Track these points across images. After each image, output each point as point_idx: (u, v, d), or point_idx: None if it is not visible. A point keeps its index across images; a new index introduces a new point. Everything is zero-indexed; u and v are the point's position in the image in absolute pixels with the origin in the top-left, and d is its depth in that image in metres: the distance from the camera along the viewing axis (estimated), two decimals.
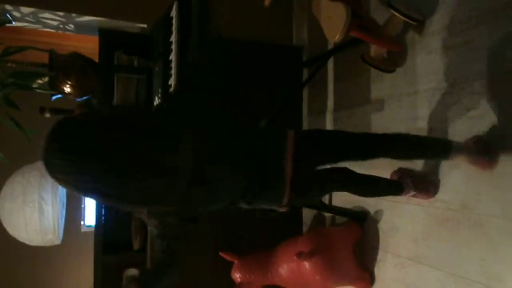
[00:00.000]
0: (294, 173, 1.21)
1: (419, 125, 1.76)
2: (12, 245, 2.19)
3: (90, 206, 3.07)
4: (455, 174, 1.58)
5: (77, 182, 0.87)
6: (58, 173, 0.86)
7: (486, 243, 1.45)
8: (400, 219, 1.83)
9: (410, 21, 1.68)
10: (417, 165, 1.75)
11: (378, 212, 1.96)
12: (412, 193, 1.63)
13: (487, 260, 1.44)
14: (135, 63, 2.15)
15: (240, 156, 1.15)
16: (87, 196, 1.05)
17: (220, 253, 1.97)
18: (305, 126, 2.61)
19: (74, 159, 0.83)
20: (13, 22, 2.13)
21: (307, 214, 2.48)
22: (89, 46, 2.45)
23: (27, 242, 2.13)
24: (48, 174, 0.87)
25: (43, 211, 2.10)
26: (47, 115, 2.22)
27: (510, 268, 1.37)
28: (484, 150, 1.43)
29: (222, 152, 1.11)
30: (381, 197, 1.72)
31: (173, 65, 1.82)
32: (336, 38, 1.65)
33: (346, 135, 1.41)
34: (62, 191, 2.25)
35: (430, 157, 1.59)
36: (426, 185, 1.65)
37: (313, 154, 1.31)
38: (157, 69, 1.97)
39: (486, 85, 1.48)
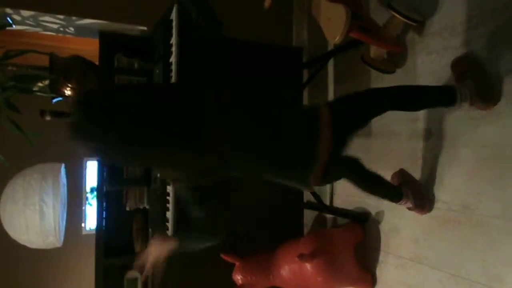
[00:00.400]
0: (329, 157, 1.20)
1: (419, 126, 1.76)
2: (13, 248, 2.19)
3: (91, 209, 3.08)
4: (456, 173, 1.58)
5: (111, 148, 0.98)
6: (92, 140, 0.97)
7: (487, 244, 1.45)
8: (401, 220, 1.83)
9: (410, 22, 1.68)
10: (417, 172, 1.75)
11: (379, 213, 1.96)
12: (408, 205, 1.65)
13: (488, 261, 1.44)
14: (136, 65, 2.15)
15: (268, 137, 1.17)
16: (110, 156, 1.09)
17: (222, 255, 1.97)
18: None
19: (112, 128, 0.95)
20: (14, 26, 2.13)
21: (308, 215, 2.48)
22: (90, 48, 2.45)
23: (28, 244, 2.13)
24: (79, 141, 0.99)
25: (44, 214, 2.10)
26: (48, 118, 2.21)
27: (510, 268, 1.37)
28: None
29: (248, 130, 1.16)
30: (378, 198, 1.72)
31: (173, 67, 1.82)
32: (336, 39, 1.65)
33: (376, 98, 1.40)
34: (63, 193, 2.25)
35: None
36: (424, 202, 1.67)
37: (347, 130, 1.31)
38: (157, 71, 1.97)
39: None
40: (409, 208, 1.68)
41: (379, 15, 1.91)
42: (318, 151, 1.20)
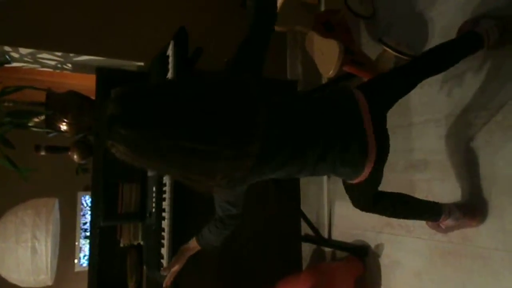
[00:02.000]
0: (377, 141, 1.15)
1: (415, 157, 1.76)
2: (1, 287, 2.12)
3: (84, 245, 3.01)
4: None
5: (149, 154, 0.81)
6: (138, 131, 0.79)
7: (490, 276, 1.42)
8: (402, 253, 1.80)
9: (401, 56, 1.72)
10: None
11: (379, 246, 1.93)
12: (450, 221, 1.48)
13: None
14: None
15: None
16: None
17: None
18: None
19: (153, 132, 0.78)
20: (12, 63, 2.16)
21: (306, 249, 2.43)
22: (87, 83, 2.48)
23: (18, 283, 2.06)
24: (118, 131, 0.79)
25: (36, 251, 2.05)
26: (43, 153, 2.21)
27: None
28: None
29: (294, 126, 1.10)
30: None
31: None
32: (330, 73, 1.68)
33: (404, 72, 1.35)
34: (56, 229, 2.21)
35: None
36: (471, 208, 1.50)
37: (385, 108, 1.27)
38: None
39: (482, 116, 1.49)
40: (454, 223, 1.49)
41: (371, 49, 1.96)
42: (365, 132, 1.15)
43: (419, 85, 1.75)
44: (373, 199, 1.34)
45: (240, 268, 2.24)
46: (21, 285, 2.07)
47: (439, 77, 1.68)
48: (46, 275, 2.09)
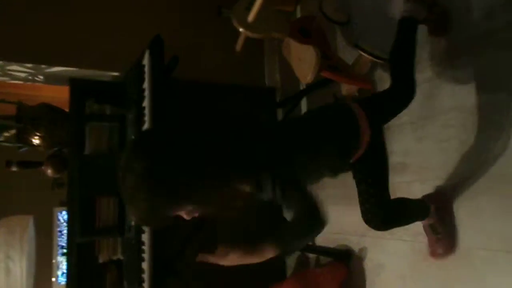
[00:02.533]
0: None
1: (394, 160, 1.78)
2: None
3: (62, 262, 2.91)
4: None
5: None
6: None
7: (473, 276, 1.43)
8: (385, 256, 1.80)
9: (377, 60, 1.74)
10: None
11: (362, 250, 1.93)
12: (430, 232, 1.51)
13: None
14: (108, 111, 2.12)
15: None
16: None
17: None
18: None
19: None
20: None
21: (290, 256, 2.41)
22: (61, 96, 2.41)
23: None
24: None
25: (10, 271, 1.97)
26: (14, 168, 2.12)
27: None
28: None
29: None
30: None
31: (146, 111, 1.80)
32: (308, 79, 1.69)
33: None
34: (31, 247, 2.12)
35: None
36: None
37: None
38: (130, 116, 1.94)
39: (457, 117, 1.52)
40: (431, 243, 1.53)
41: (347, 55, 1.98)
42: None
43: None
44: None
45: (223, 276, 2.20)
46: None
47: None
48: None
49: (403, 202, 1.43)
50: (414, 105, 1.69)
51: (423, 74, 1.64)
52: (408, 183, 1.71)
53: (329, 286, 1.88)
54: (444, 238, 1.49)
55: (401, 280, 1.71)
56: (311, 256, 2.27)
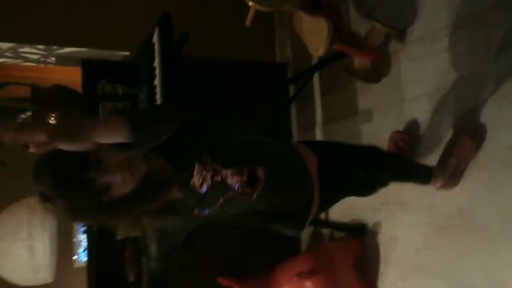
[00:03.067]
0: (321, 199, 1.16)
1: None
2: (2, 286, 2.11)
3: (82, 240, 3.00)
4: None
5: None
6: None
7: (487, 248, 1.42)
8: (399, 229, 1.80)
9: (391, 31, 1.69)
10: None
11: (376, 224, 1.93)
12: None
13: (490, 266, 1.41)
14: (120, 91, 2.13)
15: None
16: None
17: (218, 279, 1.91)
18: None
19: None
20: None
21: (304, 231, 2.43)
22: (73, 78, 2.43)
23: (18, 282, 2.05)
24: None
25: (34, 249, 2.04)
26: (32, 150, 2.17)
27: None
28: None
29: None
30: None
31: (158, 90, 1.80)
32: (320, 52, 1.66)
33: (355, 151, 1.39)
34: (52, 226, 2.19)
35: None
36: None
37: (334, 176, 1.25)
38: (142, 95, 1.95)
39: (473, 88, 1.48)
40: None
41: (360, 27, 1.93)
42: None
43: (410, 60, 1.75)
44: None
45: (239, 252, 2.25)
46: (20, 283, 2.06)
47: (429, 51, 1.66)
48: (45, 273, 2.08)
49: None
50: (430, 76, 1.66)
51: (441, 43, 1.59)
52: (422, 155, 1.69)
53: (343, 261, 1.90)
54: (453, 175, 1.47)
55: (415, 253, 1.72)
56: (325, 231, 2.29)
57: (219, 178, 0.97)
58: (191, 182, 0.94)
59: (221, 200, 1.00)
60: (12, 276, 2.03)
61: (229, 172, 0.98)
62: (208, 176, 0.96)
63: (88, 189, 0.79)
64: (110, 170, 0.81)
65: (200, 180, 0.95)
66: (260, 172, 1.02)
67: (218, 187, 0.98)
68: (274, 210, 1.13)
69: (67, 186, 0.79)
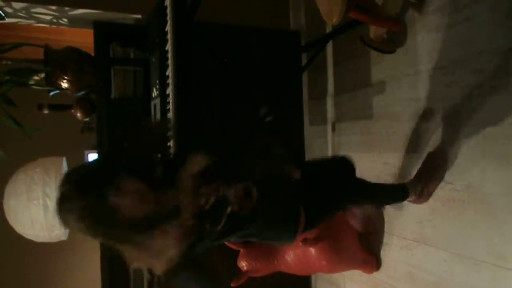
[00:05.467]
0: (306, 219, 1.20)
1: (421, 106, 1.74)
2: (19, 242, 2.21)
3: None
4: (459, 152, 1.56)
5: None
6: None
7: (492, 223, 1.44)
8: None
9: None
10: (420, 153, 1.73)
11: None
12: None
13: (493, 240, 1.43)
14: (131, 55, 2.12)
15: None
16: None
17: (226, 243, 1.97)
18: (306, 111, 2.58)
19: None
20: (6, 19, 2.10)
21: None
22: (85, 40, 2.43)
23: (34, 239, 2.14)
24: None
25: (48, 208, 2.10)
26: (46, 111, 2.20)
27: None
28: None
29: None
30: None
31: (169, 55, 1.79)
32: (334, 20, 1.62)
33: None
34: None
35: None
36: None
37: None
38: (153, 60, 1.95)
39: (490, 61, 1.45)
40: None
41: None
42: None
43: (427, 31, 1.71)
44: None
45: None
46: (36, 240, 2.15)
47: (447, 22, 1.61)
48: (60, 231, 2.16)
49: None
50: (446, 48, 1.62)
51: (461, 13, 1.54)
52: (433, 130, 1.68)
53: (349, 229, 1.94)
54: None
55: (419, 224, 1.74)
56: None
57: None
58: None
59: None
60: (27, 233, 2.11)
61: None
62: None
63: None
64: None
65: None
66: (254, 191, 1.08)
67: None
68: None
69: None
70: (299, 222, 1.21)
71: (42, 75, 2.05)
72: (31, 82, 2.03)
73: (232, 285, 1.89)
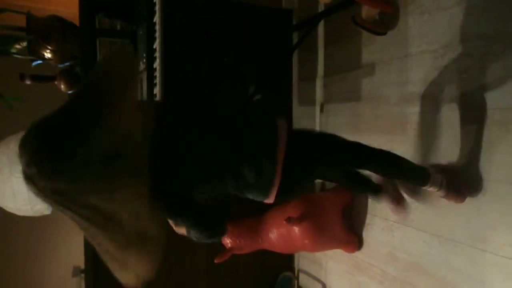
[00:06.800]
0: (283, 175, 1.17)
1: (409, 89, 1.74)
2: (1, 216, 2.18)
3: None
4: (444, 137, 1.57)
5: None
6: None
7: (472, 206, 1.46)
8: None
9: None
10: (406, 136, 1.74)
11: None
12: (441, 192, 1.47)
13: (473, 223, 1.46)
14: (118, 26, 2.06)
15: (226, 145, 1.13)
16: None
17: None
18: (295, 92, 2.57)
19: None
20: None
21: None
22: (69, 11, 2.34)
23: (16, 212, 2.10)
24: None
25: None
26: (28, 82, 2.14)
27: (494, 230, 1.39)
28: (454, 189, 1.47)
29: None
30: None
31: (157, 27, 1.75)
32: None
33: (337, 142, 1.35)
34: None
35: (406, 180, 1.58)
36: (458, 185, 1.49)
37: (303, 157, 1.23)
38: (141, 32, 1.90)
39: (480, 46, 1.44)
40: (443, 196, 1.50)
41: None
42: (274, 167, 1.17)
43: (419, 13, 1.69)
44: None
45: (230, 197, 2.29)
46: (18, 213, 2.11)
47: (440, 5, 1.60)
48: (43, 205, 2.13)
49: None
50: (437, 32, 1.61)
51: None
52: (421, 113, 1.68)
53: (332, 210, 1.96)
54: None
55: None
56: (317, 181, 2.34)
57: None
58: None
59: None
60: (9, 206, 2.08)
61: None
62: None
63: None
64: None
65: None
66: None
67: None
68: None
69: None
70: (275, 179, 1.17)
71: (24, 43, 1.98)
72: (13, 50, 1.96)
73: (215, 261, 1.91)
